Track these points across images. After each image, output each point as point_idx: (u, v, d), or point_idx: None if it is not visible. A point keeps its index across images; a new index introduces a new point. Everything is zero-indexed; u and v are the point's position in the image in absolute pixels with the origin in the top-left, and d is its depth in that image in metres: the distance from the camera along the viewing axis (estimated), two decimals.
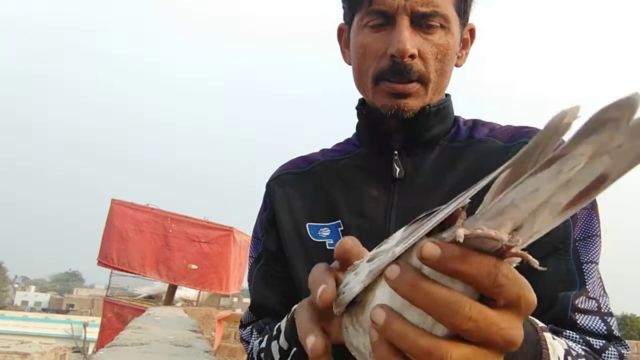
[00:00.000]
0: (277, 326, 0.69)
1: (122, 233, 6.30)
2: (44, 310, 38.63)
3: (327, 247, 0.79)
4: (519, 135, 0.80)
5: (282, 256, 0.85)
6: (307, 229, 0.83)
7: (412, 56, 0.75)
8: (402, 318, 0.38)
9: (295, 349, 0.66)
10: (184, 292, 6.95)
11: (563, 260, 0.68)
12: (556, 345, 0.53)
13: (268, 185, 0.93)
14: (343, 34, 0.92)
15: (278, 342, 0.68)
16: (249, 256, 0.95)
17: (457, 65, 0.85)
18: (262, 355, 0.74)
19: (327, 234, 0.81)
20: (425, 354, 0.36)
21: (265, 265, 0.89)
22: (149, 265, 6.26)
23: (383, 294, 0.40)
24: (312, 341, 0.46)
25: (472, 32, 0.89)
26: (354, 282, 0.43)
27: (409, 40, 0.74)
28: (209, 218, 6.64)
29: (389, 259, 0.39)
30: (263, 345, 0.75)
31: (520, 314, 0.37)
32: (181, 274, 6.26)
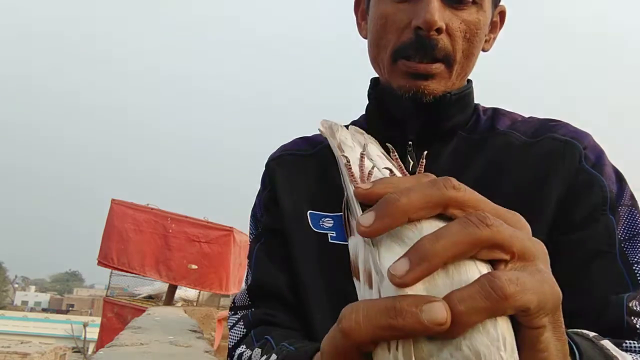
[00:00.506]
0: None
1: (122, 233, 6.31)
2: (44, 310, 38.65)
3: (330, 240, 0.71)
4: (543, 130, 0.72)
5: (284, 238, 0.77)
6: (308, 217, 0.75)
7: (439, 30, 0.67)
8: None
9: None
10: (183, 292, 6.96)
11: (610, 263, 0.62)
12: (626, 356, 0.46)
13: (268, 164, 0.85)
14: (361, 4, 0.84)
15: None
16: (249, 234, 0.86)
17: (483, 50, 0.76)
18: None
19: (330, 225, 0.74)
20: None
21: (267, 243, 0.80)
22: (149, 265, 6.26)
23: None
24: None
25: (502, 14, 0.80)
26: None
27: (438, 11, 0.66)
28: (209, 218, 6.65)
29: None
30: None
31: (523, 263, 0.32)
32: (181, 274, 6.27)
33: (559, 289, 0.32)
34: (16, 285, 56.22)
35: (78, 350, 19.42)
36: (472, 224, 0.30)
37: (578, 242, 0.62)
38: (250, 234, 0.85)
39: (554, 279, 0.32)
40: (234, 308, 0.81)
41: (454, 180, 0.33)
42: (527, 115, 0.79)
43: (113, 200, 6.55)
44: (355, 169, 0.42)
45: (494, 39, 0.80)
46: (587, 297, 0.35)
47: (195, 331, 1.95)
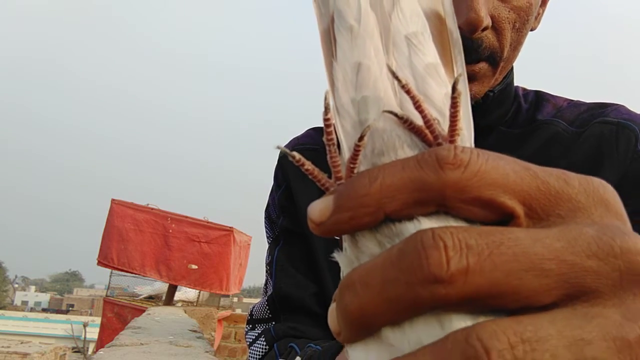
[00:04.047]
0: None
1: (122, 233, 6.31)
2: (44, 310, 38.64)
3: None
4: (592, 117, 0.62)
5: (304, 238, 0.70)
6: None
7: (485, 28, 0.55)
8: None
9: None
10: (183, 293, 6.96)
11: None
12: None
13: (281, 160, 0.77)
14: None
15: None
16: (266, 237, 0.78)
17: (532, 29, 0.64)
18: None
19: None
20: None
21: (288, 247, 0.72)
22: (149, 265, 6.26)
23: None
24: None
25: None
26: None
27: (482, 5, 0.53)
28: (209, 218, 6.65)
29: None
30: None
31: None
32: (181, 274, 6.27)
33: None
34: (16, 285, 56.24)
35: (78, 350, 19.42)
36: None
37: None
38: (267, 237, 0.79)
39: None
40: (251, 321, 0.74)
41: (456, 150, 0.20)
42: (574, 99, 0.68)
43: (113, 200, 6.55)
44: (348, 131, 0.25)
45: (543, 12, 0.67)
46: None
47: (195, 331, 1.95)
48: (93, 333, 16.44)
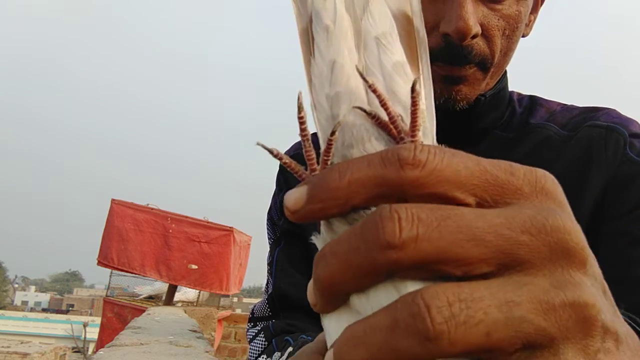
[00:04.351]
0: None
1: (122, 233, 6.31)
2: (44, 310, 38.66)
3: None
4: (584, 120, 0.64)
5: (305, 240, 0.71)
6: None
7: (474, 36, 0.56)
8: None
9: None
10: (183, 294, 6.96)
11: None
12: None
13: (282, 165, 0.78)
14: None
15: None
16: (268, 238, 0.80)
17: (523, 35, 0.65)
18: None
19: None
20: None
21: (288, 247, 0.74)
22: (149, 265, 6.26)
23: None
24: None
25: None
26: None
27: (472, 14, 0.55)
28: (209, 218, 6.65)
29: None
30: None
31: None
32: (181, 274, 6.27)
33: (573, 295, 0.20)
34: (16, 285, 56.25)
35: (78, 350, 19.42)
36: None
37: (620, 232, 0.58)
38: (268, 238, 0.81)
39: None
40: (252, 319, 0.76)
41: (415, 150, 0.21)
42: (567, 103, 0.70)
43: (113, 200, 6.55)
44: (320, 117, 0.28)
45: (535, 19, 0.68)
46: (632, 288, 0.29)
47: (195, 331, 1.95)
48: (93, 333, 16.44)
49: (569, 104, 0.70)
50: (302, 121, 0.26)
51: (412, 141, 0.25)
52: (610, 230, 0.57)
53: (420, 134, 0.25)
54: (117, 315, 6.29)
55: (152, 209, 6.55)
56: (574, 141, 0.63)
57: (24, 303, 45.90)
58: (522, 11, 0.60)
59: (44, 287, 67.74)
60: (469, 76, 0.59)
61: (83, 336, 20.52)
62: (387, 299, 0.21)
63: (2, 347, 11.52)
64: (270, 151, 0.26)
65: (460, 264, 0.20)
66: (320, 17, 0.27)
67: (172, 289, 6.48)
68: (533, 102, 0.71)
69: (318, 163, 0.26)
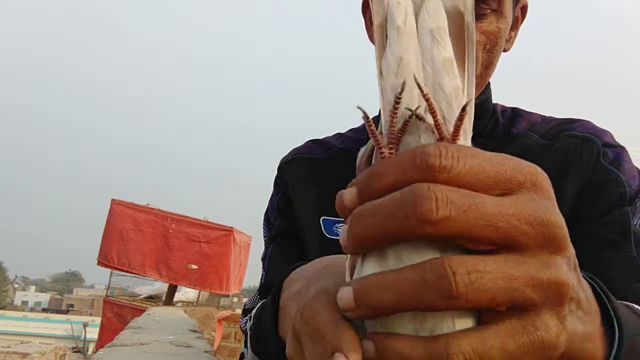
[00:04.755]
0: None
1: (122, 233, 6.31)
2: (44, 310, 38.64)
3: None
4: (561, 131, 0.70)
5: (299, 240, 0.76)
6: (321, 223, 0.74)
7: None
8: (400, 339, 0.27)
9: None
10: (183, 294, 6.96)
11: (625, 253, 0.60)
12: None
13: (281, 168, 0.84)
14: (369, 9, 0.80)
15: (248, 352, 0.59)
16: (263, 237, 0.84)
17: (504, 51, 0.72)
18: None
19: None
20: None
21: (282, 244, 0.78)
22: (149, 265, 6.26)
23: None
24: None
25: (523, 9, 0.75)
26: None
27: None
28: (209, 218, 6.65)
29: None
30: (242, 347, 0.66)
31: (546, 250, 0.27)
32: (181, 274, 6.27)
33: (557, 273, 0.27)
34: (16, 285, 56.24)
35: (78, 350, 19.41)
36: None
37: (591, 234, 0.62)
38: (264, 236, 0.84)
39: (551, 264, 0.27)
40: (245, 311, 0.79)
41: (441, 156, 0.26)
42: (547, 115, 0.76)
43: (113, 200, 6.55)
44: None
45: (515, 35, 0.75)
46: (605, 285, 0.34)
47: (195, 331, 1.95)
48: (93, 333, 16.43)
49: (548, 115, 0.76)
50: (369, 123, 0.30)
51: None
52: (583, 233, 0.61)
53: (458, 141, 0.29)
54: (117, 315, 6.29)
55: (152, 209, 6.55)
56: (552, 149, 0.69)
57: (24, 303, 45.90)
58: (502, 28, 0.67)
59: (44, 287, 67.72)
60: None
61: (83, 336, 20.52)
62: (413, 258, 0.27)
63: (2, 347, 11.52)
64: (366, 116, 0.30)
65: (475, 242, 0.26)
66: (393, 18, 0.31)
67: (172, 289, 6.48)
68: (515, 113, 0.77)
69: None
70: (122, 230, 6.32)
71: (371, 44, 0.77)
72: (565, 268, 0.28)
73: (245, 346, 0.64)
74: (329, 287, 0.33)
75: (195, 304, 6.96)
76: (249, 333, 0.60)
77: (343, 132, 0.86)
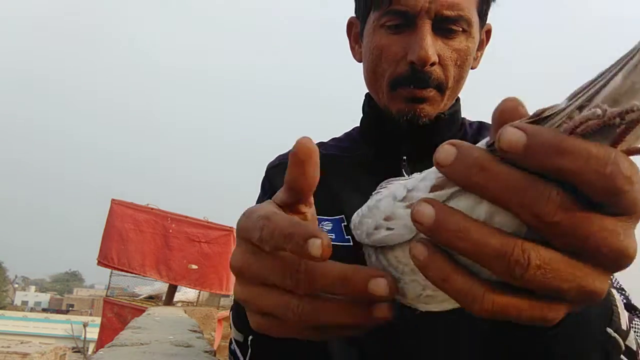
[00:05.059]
0: None
1: (122, 233, 6.31)
2: (44, 310, 38.63)
3: None
4: None
5: None
6: None
7: (433, 63, 0.72)
8: (459, 212, 0.30)
9: (251, 337, 0.61)
10: (183, 294, 6.96)
11: None
12: (620, 305, 0.48)
13: (268, 171, 0.89)
14: (353, 28, 0.86)
15: (234, 333, 0.63)
16: None
17: (472, 68, 0.81)
18: (232, 347, 0.69)
19: (329, 228, 0.73)
20: (495, 257, 0.28)
21: None
22: (149, 265, 6.26)
23: None
24: (318, 243, 0.32)
25: (488, 32, 0.85)
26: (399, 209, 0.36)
27: (431, 46, 0.70)
28: (209, 218, 6.65)
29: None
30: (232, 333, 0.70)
31: (635, 222, 0.28)
32: (181, 274, 6.27)
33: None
34: (16, 285, 56.23)
35: (78, 350, 19.41)
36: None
37: None
38: None
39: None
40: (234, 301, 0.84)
41: (632, 171, 0.26)
42: None
43: (113, 200, 6.55)
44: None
45: (481, 56, 0.86)
46: None
47: (195, 331, 1.95)
48: (93, 333, 16.44)
49: None
50: None
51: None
52: None
53: None
54: (117, 315, 6.29)
55: (152, 209, 6.55)
56: None
57: (24, 303, 45.88)
58: (470, 46, 0.75)
59: (44, 287, 67.68)
60: (430, 97, 0.73)
61: (83, 336, 20.52)
62: (501, 223, 0.29)
63: (2, 347, 11.52)
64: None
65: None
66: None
67: (172, 289, 6.48)
68: (481, 126, 0.86)
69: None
70: (122, 230, 6.32)
71: (356, 61, 0.87)
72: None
73: (231, 333, 0.67)
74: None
75: (195, 304, 6.96)
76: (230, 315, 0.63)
77: (325, 141, 0.91)
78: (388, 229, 0.37)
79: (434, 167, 0.34)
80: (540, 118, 0.28)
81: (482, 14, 0.79)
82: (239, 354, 0.65)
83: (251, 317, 0.39)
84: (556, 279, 0.28)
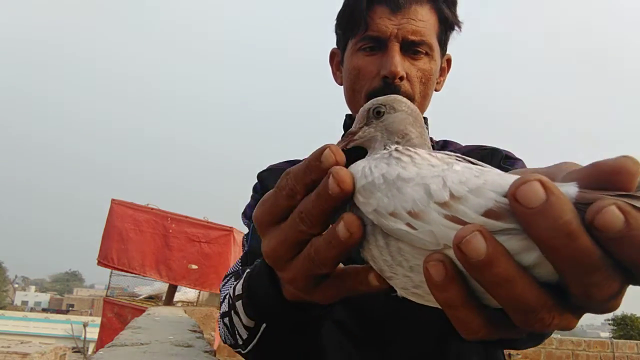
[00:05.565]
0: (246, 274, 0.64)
1: (122, 233, 6.30)
2: (44, 310, 38.57)
3: None
4: (476, 149, 0.95)
5: None
6: None
7: (401, 78, 0.85)
8: (510, 257, 0.28)
9: (264, 325, 0.62)
10: (183, 294, 6.94)
11: None
12: None
13: (259, 176, 0.99)
14: (335, 57, 1.02)
15: (239, 316, 0.65)
16: (245, 224, 0.97)
17: (436, 90, 0.96)
18: (227, 322, 0.71)
19: None
20: (523, 311, 0.29)
21: None
22: (149, 265, 6.25)
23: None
24: (328, 151, 0.38)
25: (448, 61, 1.01)
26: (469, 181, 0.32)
27: (400, 63, 0.85)
28: (209, 218, 6.64)
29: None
30: (225, 308, 0.72)
31: None
32: (181, 274, 6.26)
33: None
34: (16, 285, 56.19)
35: (78, 350, 19.39)
36: None
37: None
38: (245, 224, 0.97)
39: None
40: (226, 276, 0.89)
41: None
42: (468, 144, 1.00)
43: (113, 200, 6.55)
44: None
45: (444, 81, 1.00)
46: None
47: (195, 331, 1.95)
48: (93, 333, 16.40)
49: (468, 144, 0.99)
50: None
51: None
52: None
53: None
54: (117, 315, 6.28)
55: (152, 209, 6.55)
56: (470, 157, 0.86)
57: (24, 303, 45.84)
58: (433, 68, 0.90)
59: (44, 287, 67.64)
60: None
61: (83, 336, 20.50)
62: (541, 274, 0.30)
63: (2, 347, 11.51)
64: None
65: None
66: None
67: (172, 289, 6.47)
68: (445, 142, 1.00)
69: None
70: (122, 230, 6.32)
71: (337, 85, 1.00)
72: None
73: (231, 313, 0.67)
74: None
75: (195, 304, 6.96)
76: (238, 300, 0.64)
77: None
78: (409, 225, 0.33)
79: (491, 179, 0.31)
80: None
81: (442, 42, 0.94)
82: (243, 333, 0.66)
83: (281, 273, 0.45)
84: (553, 328, 0.30)
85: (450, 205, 0.31)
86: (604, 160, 0.29)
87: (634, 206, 0.26)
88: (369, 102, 0.50)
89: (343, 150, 0.40)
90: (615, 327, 16.60)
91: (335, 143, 0.42)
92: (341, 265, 0.42)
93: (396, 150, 0.41)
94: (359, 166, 0.40)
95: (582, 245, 0.27)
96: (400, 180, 0.35)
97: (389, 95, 0.50)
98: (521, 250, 0.29)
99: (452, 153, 0.39)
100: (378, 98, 0.49)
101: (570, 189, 0.29)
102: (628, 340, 8.81)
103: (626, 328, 16.13)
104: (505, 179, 0.31)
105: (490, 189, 0.31)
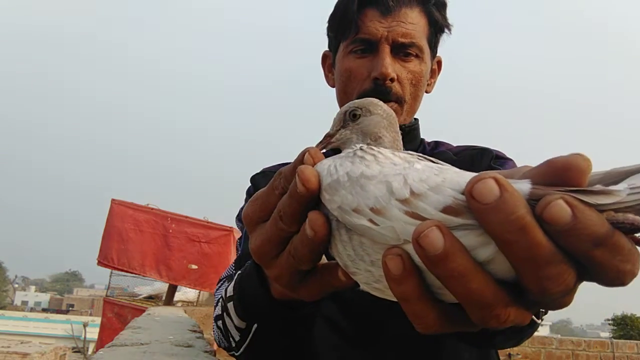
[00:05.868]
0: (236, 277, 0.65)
1: (122, 233, 6.30)
2: (44, 310, 38.56)
3: None
4: (467, 148, 0.96)
5: None
6: None
7: (392, 79, 0.87)
8: (467, 252, 0.30)
9: (255, 325, 0.63)
10: (183, 294, 6.94)
11: None
12: None
13: (253, 178, 1.01)
14: (327, 60, 1.03)
15: (231, 317, 0.65)
16: (239, 228, 0.98)
17: (426, 92, 0.98)
18: (220, 324, 0.71)
19: None
20: (479, 307, 0.30)
21: None
22: (149, 265, 6.25)
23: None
24: (307, 153, 0.42)
25: (439, 63, 1.02)
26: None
27: (390, 65, 0.86)
28: (209, 218, 6.64)
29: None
30: (218, 311, 0.72)
31: None
32: (181, 274, 6.26)
33: None
34: (16, 285, 56.20)
35: (78, 350, 19.39)
36: None
37: None
38: (239, 228, 0.98)
39: None
40: (220, 280, 0.90)
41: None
42: (460, 144, 1.01)
43: (113, 200, 6.55)
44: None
45: (434, 82, 1.02)
46: None
47: (195, 331, 1.95)
48: (93, 333, 16.41)
49: (459, 144, 1.00)
50: None
51: None
52: None
53: None
54: (117, 315, 6.28)
55: (152, 209, 6.55)
56: (460, 157, 0.92)
57: (24, 303, 45.84)
58: (424, 70, 0.91)
59: (44, 287, 67.62)
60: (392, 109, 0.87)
61: (83, 336, 20.50)
62: (496, 270, 0.31)
63: (2, 347, 11.51)
64: None
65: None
66: None
67: (172, 289, 6.47)
68: (437, 143, 1.01)
69: None
70: (122, 230, 6.31)
71: (329, 87, 1.01)
72: None
73: (223, 315, 0.68)
74: None
75: (195, 304, 6.95)
76: (229, 301, 0.65)
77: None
78: (372, 221, 0.34)
79: (449, 177, 0.32)
80: (595, 192, 0.28)
81: (432, 45, 0.95)
82: (235, 335, 0.67)
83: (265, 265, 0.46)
84: (508, 324, 0.31)
85: (410, 202, 0.33)
86: (557, 158, 0.30)
87: (581, 200, 0.28)
88: (345, 105, 0.51)
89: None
90: (615, 327, 16.60)
91: (315, 145, 0.45)
92: (325, 261, 0.43)
93: (360, 149, 0.42)
94: (324, 165, 0.41)
95: (534, 239, 0.28)
96: (364, 177, 0.37)
97: (365, 98, 0.51)
98: (478, 245, 0.30)
99: (415, 152, 0.41)
100: (355, 101, 0.50)
101: (523, 186, 0.30)
102: (628, 340, 8.81)
103: (626, 328, 16.12)
104: (463, 177, 0.33)
105: (449, 186, 0.32)
